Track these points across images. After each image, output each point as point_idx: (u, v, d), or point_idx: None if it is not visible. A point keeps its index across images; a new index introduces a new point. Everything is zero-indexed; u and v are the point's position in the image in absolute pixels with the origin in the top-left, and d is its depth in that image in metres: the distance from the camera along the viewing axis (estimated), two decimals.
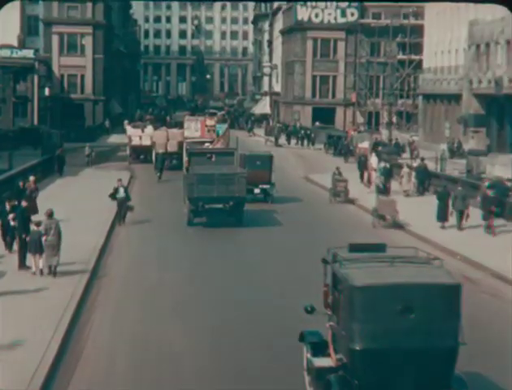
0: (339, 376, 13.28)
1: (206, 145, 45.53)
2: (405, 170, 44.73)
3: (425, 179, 43.08)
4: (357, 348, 12.63)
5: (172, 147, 52.01)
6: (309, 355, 14.69)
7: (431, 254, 14.26)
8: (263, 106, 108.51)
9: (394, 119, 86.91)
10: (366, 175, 45.89)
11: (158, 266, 26.19)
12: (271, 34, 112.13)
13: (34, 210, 28.28)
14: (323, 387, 13.59)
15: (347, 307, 12.90)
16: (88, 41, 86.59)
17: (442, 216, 32.94)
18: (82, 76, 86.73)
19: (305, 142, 72.57)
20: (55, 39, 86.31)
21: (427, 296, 12.73)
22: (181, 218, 33.36)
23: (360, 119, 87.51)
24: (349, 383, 13.02)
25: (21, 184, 31.85)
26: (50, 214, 23.44)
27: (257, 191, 38.55)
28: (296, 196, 42.68)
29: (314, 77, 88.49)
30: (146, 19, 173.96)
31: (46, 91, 58.29)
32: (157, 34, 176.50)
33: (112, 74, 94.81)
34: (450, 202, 33.00)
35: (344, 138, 67.75)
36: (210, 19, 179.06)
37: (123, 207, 32.52)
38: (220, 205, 31.57)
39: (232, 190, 31.54)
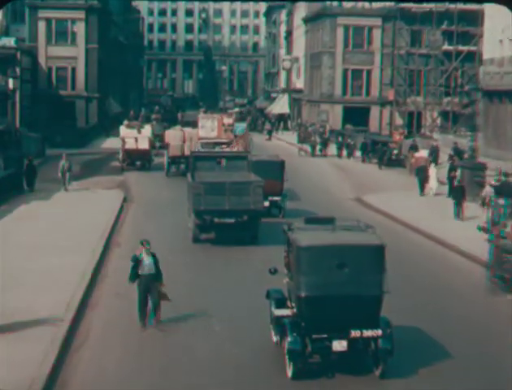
0: (291, 320, 16.00)
1: (223, 146, 41.56)
2: (489, 189, 33.77)
3: None
4: (303, 295, 15.43)
5: (190, 150, 43.23)
6: (272, 308, 17.28)
7: (370, 224, 16.83)
8: (282, 106, 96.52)
9: (438, 121, 75.07)
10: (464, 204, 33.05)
11: None
12: (289, 24, 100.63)
13: None
14: (280, 331, 16.29)
15: (295, 264, 15.79)
16: (80, 28, 73.97)
17: None
18: (73, 69, 74.15)
19: (345, 151, 58.67)
20: (42, 26, 73.81)
21: (357, 254, 15.61)
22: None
23: (399, 121, 75.37)
24: (299, 325, 15.65)
25: None
26: None
27: (266, 204, 32.01)
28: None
29: (345, 71, 76.43)
30: (150, 12, 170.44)
31: (10, 83, 45.32)
32: (161, 28, 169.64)
33: (109, 68, 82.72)
34: None
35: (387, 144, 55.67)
36: (218, 12, 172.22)
37: (152, 293, 18.23)
38: (232, 220, 27.43)
39: (246, 202, 27.47)
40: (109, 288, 21.00)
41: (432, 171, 41.71)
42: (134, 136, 48.11)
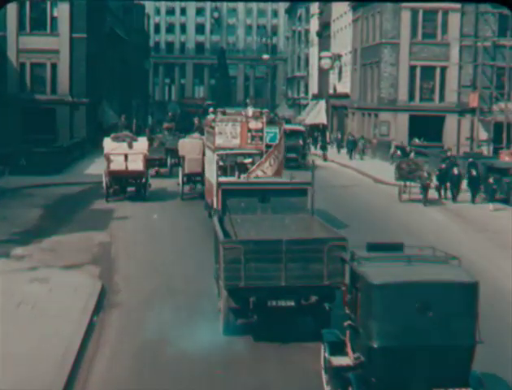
0: (358, 374, 13.68)
1: (249, 160, 33.15)
2: None
3: None
4: (375, 345, 12.90)
5: None
6: (326, 354, 15.11)
7: (449, 253, 14.10)
8: (317, 114, 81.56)
9: None
10: None
11: None
12: (325, 15, 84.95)
13: None
14: (341, 386, 13.99)
15: (365, 305, 13.22)
16: (62, 13, 60.24)
17: None
18: (53, 66, 60.96)
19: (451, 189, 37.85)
20: (12, 10, 59.71)
21: (444, 294, 12.98)
22: None
23: (483, 134, 60.26)
24: (368, 381, 13.39)
25: None
26: None
27: None
28: None
29: (412, 69, 61.67)
30: (157, 11, 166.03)
31: None
32: (170, 29, 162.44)
33: (104, 66, 68.99)
34: None
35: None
36: (232, 11, 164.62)
37: None
38: (291, 303, 17.96)
39: (316, 274, 17.48)
40: None
41: None
42: (123, 153, 37.77)
